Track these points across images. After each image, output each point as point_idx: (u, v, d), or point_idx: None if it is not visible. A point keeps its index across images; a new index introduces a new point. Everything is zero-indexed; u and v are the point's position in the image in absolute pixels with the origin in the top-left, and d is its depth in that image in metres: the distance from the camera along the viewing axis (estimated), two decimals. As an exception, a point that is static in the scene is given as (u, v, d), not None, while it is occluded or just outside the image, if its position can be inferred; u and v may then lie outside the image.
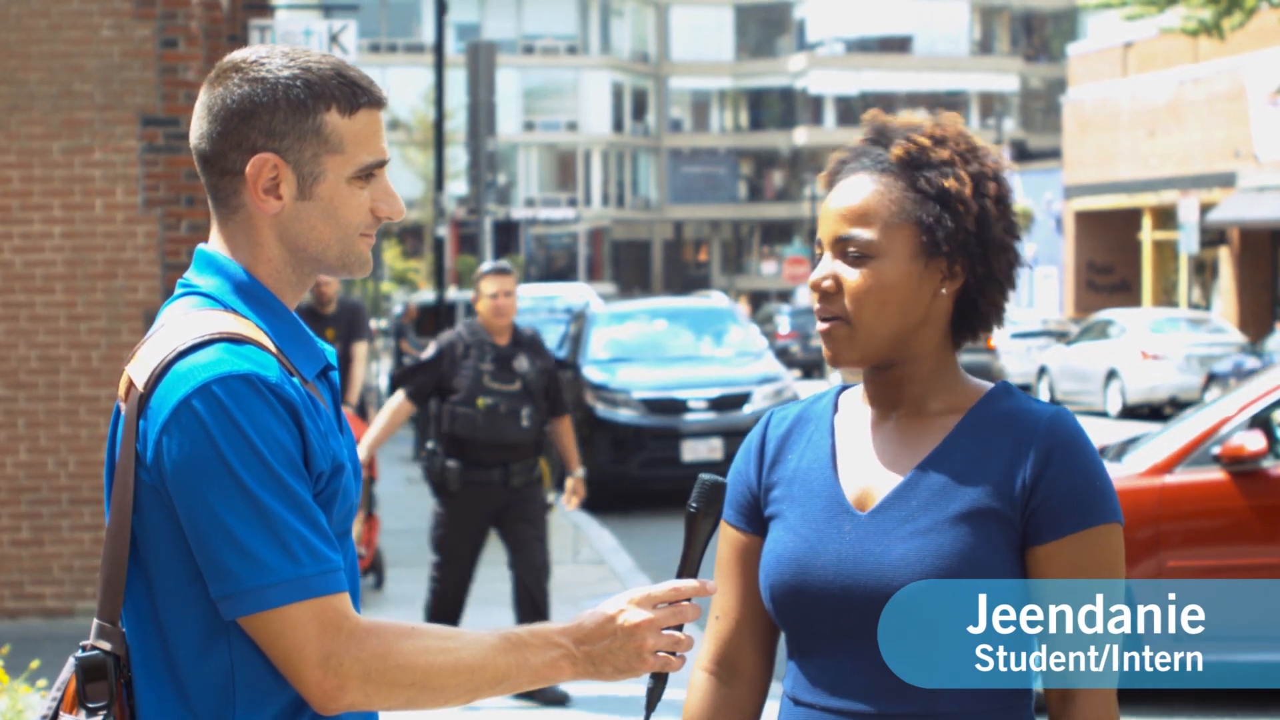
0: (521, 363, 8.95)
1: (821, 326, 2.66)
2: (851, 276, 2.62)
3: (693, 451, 16.99)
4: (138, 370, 2.44)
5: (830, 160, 2.76)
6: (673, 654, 2.48)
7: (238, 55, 2.53)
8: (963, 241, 2.62)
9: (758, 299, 68.88)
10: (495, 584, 12.24)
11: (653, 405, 17.24)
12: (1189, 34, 23.79)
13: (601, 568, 12.92)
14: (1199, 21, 23.14)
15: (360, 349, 12.58)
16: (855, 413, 2.74)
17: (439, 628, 2.44)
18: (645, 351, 18.60)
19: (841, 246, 2.63)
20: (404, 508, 17.26)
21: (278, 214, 2.50)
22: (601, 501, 17.09)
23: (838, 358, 2.65)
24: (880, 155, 2.66)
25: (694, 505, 2.52)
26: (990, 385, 2.70)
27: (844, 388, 2.80)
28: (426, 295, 34.83)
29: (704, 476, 2.53)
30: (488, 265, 9.19)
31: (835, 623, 2.60)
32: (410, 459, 23.27)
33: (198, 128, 2.52)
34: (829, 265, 2.65)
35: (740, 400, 17.31)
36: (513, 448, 8.90)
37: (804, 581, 2.62)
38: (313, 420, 2.44)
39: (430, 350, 9.06)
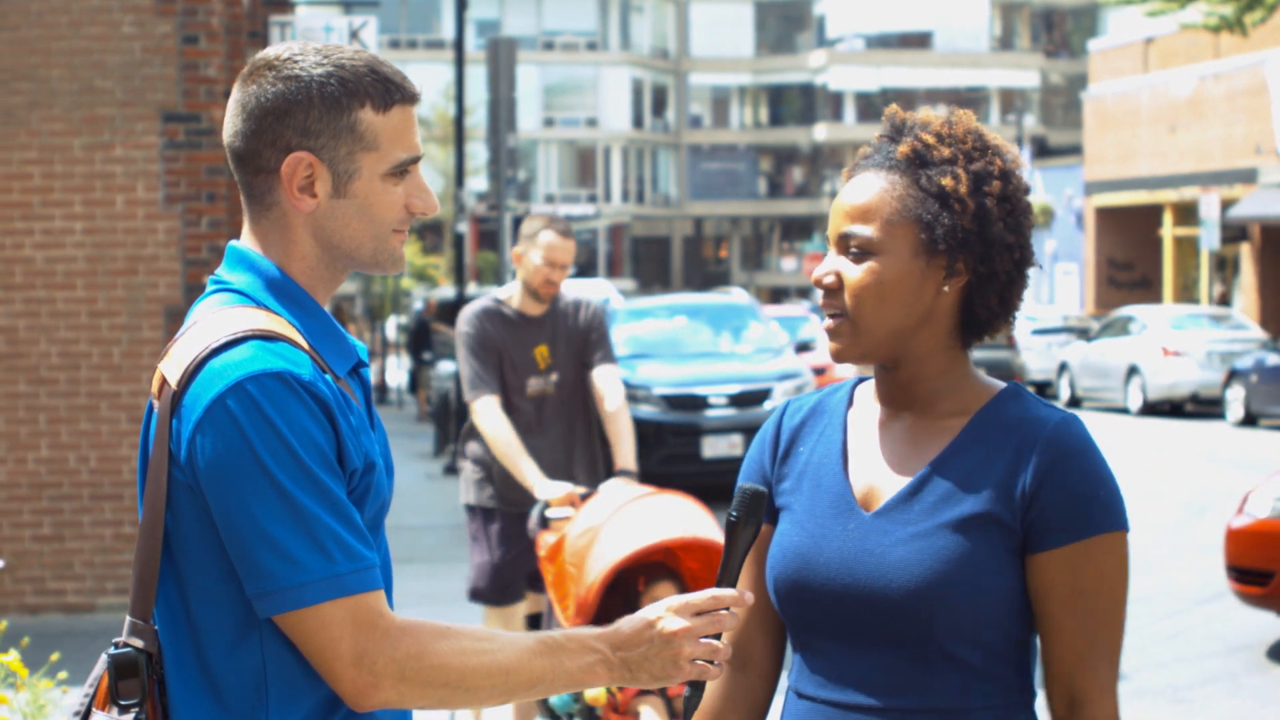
0: None
1: (826, 323, 2.67)
2: (852, 273, 2.64)
3: (713, 448, 16.95)
4: (171, 367, 2.44)
5: (855, 156, 2.77)
6: (710, 662, 2.47)
7: (271, 52, 2.52)
8: (962, 239, 2.61)
9: (777, 295, 68.85)
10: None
11: (673, 401, 17.20)
12: (1210, 30, 23.74)
13: (622, 564, 12.88)
14: (1220, 17, 23.08)
15: (610, 376, 7.20)
16: (868, 409, 2.75)
17: (475, 628, 2.43)
18: (665, 348, 18.57)
19: (844, 243, 2.65)
20: (424, 504, 17.29)
21: (312, 212, 2.50)
22: (622, 498, 17.05)
23: (840, 354, 2.66)
24: (890, 152, 2.68)
25: (734, 514, 2.52)
26: (1001, 386, 2.69)
27: (860, 380, 2.80)
28: (447, 291, 34.88)
29: (744, 485, 2.53)
30: None
31: (835, 618, 2.61)
32: (430, 455, 23.28)
33: (231, 125, 2.51)
34: (832, 261, 2.67)
35: (760, 396, 17.26)
36: None
37: (805, 577, 2.63)
38: (346, 418, 2.44)
39: None
